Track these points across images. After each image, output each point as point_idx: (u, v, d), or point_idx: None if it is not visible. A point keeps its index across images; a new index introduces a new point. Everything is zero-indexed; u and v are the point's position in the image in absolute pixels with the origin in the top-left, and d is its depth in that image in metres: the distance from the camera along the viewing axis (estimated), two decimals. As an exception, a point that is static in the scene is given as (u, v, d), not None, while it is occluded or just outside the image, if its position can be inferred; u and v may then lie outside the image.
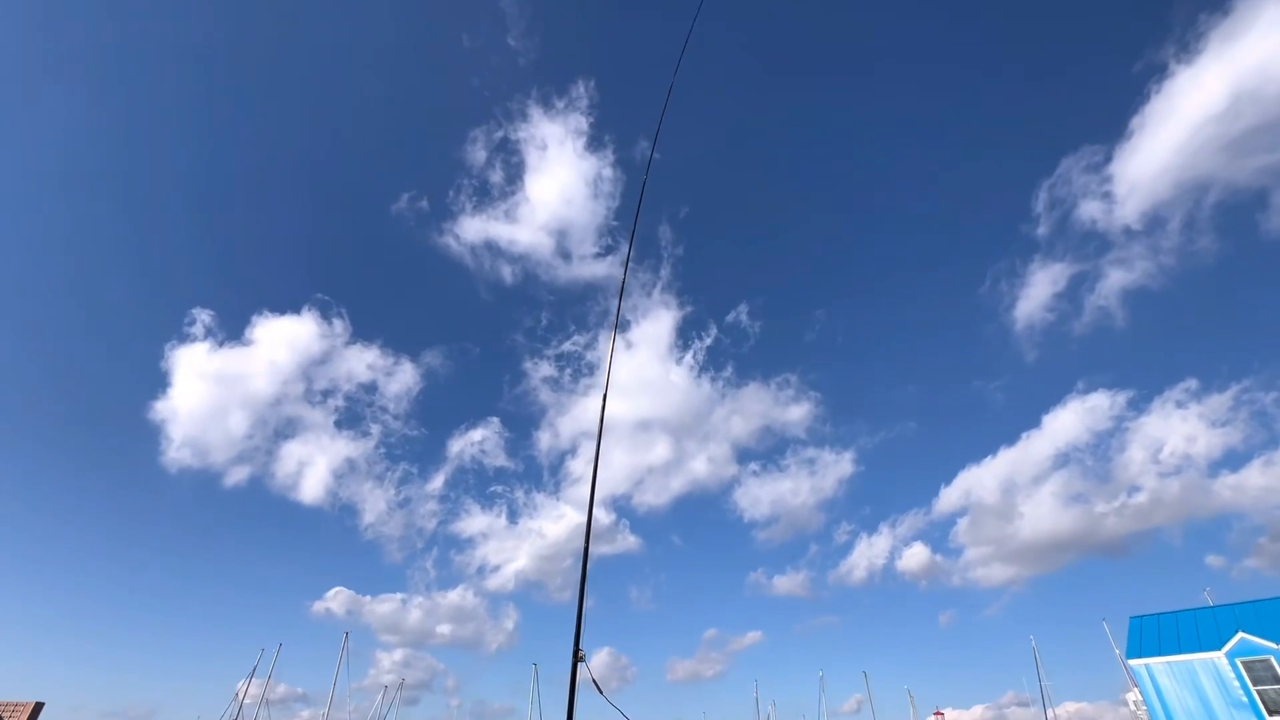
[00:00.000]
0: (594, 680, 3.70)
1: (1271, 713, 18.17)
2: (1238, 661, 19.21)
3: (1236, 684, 19.02)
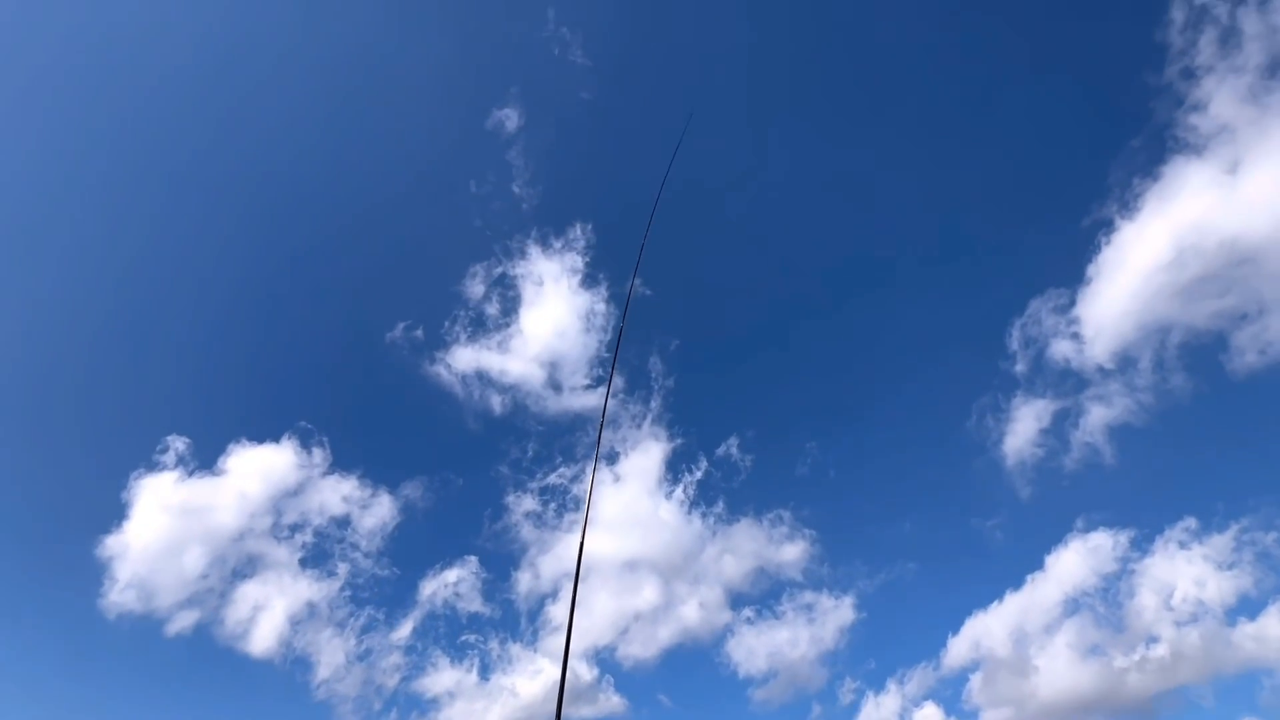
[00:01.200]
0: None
1: None
2: None
3: None
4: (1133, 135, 38.20)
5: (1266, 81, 31.60)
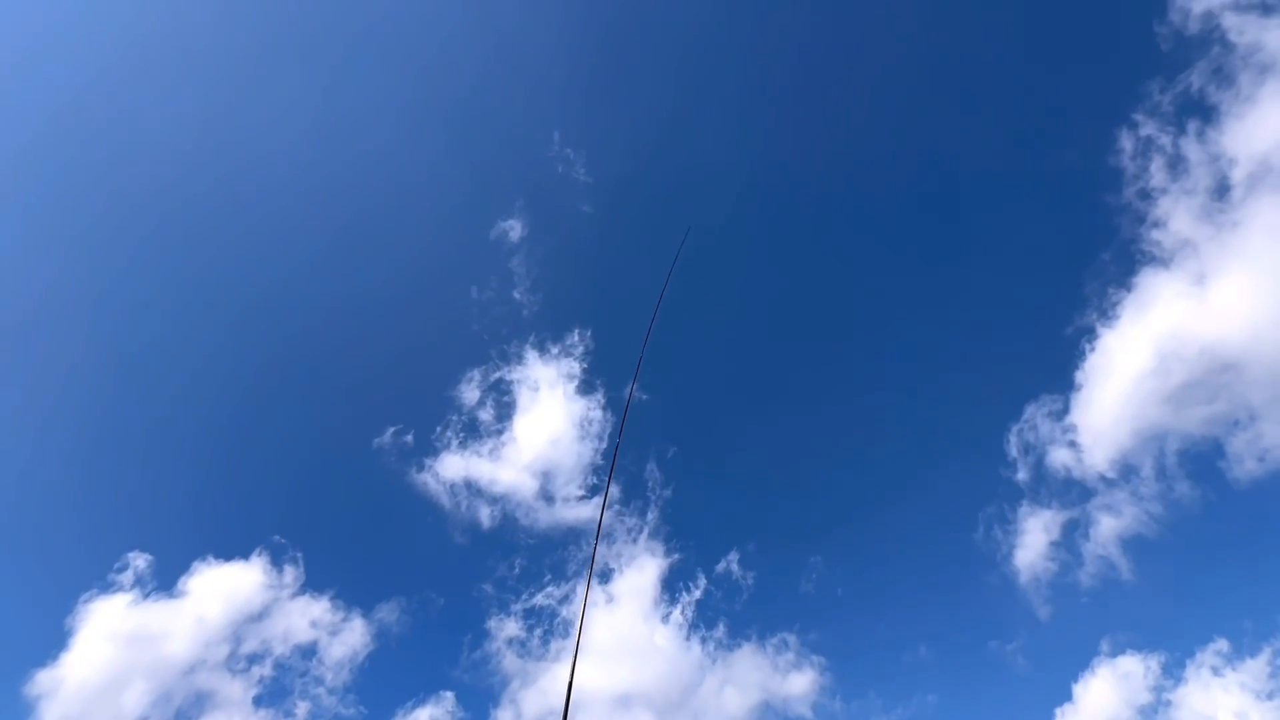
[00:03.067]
0: None
1: None
2: None
3: None
4: (1103, 248, 40.27)
5: (1217, 202, 33.84)
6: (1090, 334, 41.18)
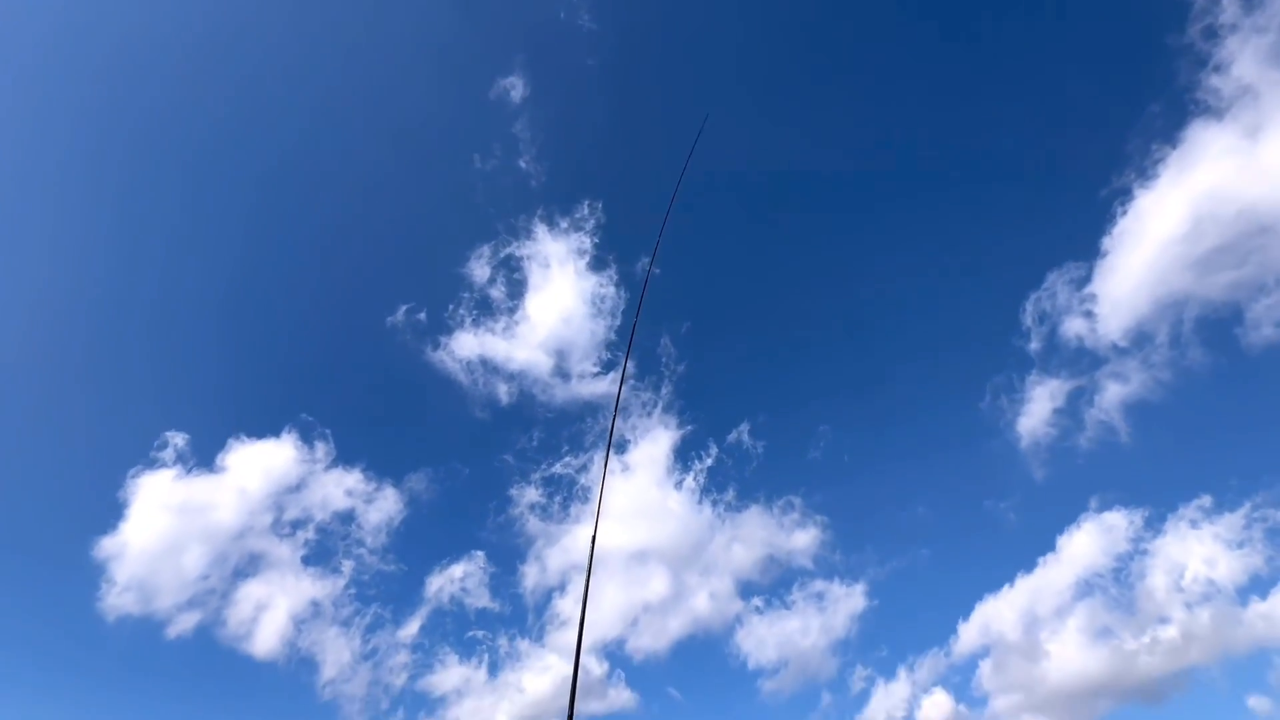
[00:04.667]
0: None
1: None
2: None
3: None
4: (1153, 100, 36.96)
5: (1291, 42, 30.47)
6: (1125, 196, 39.00)
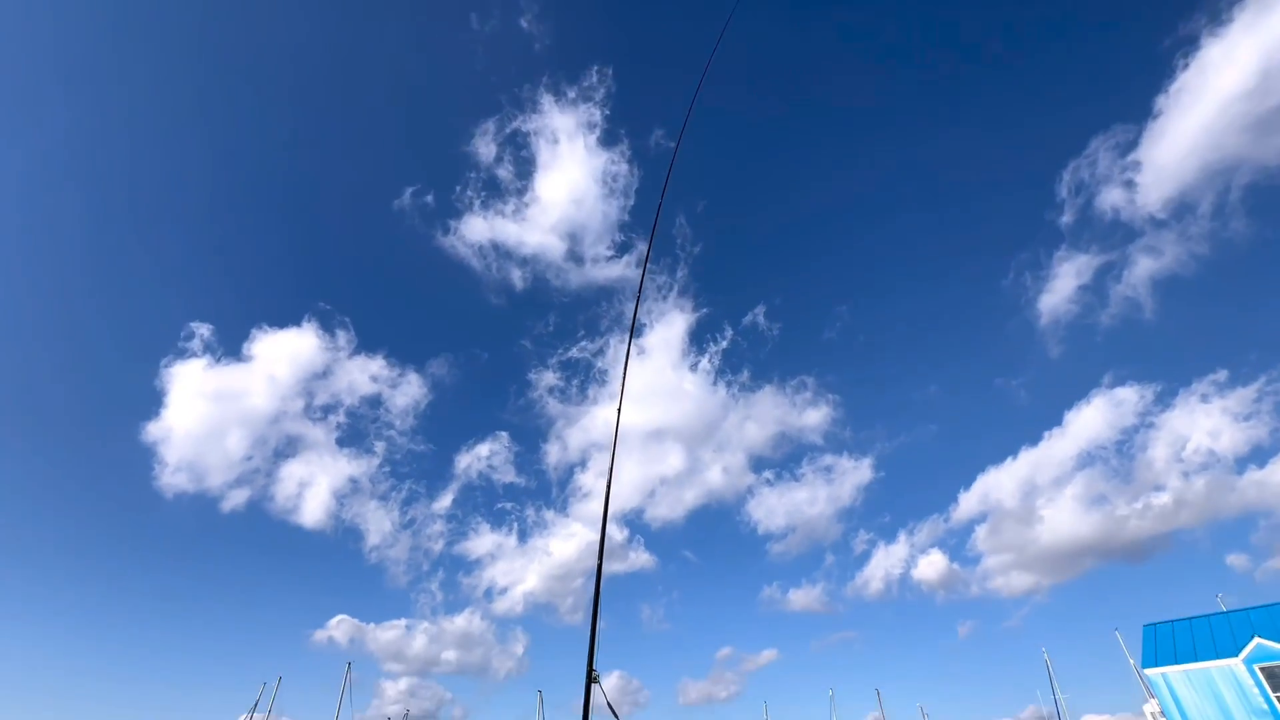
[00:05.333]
0: (609, 703, 3.64)
1: (1293, 720, 17.86)
2: (1256, 668, 18.93)
3: (1256, 691, 18.72)
4: (1230, -65, 32.40)
5: None
6: (1190, 46, 35.21)
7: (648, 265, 6.48)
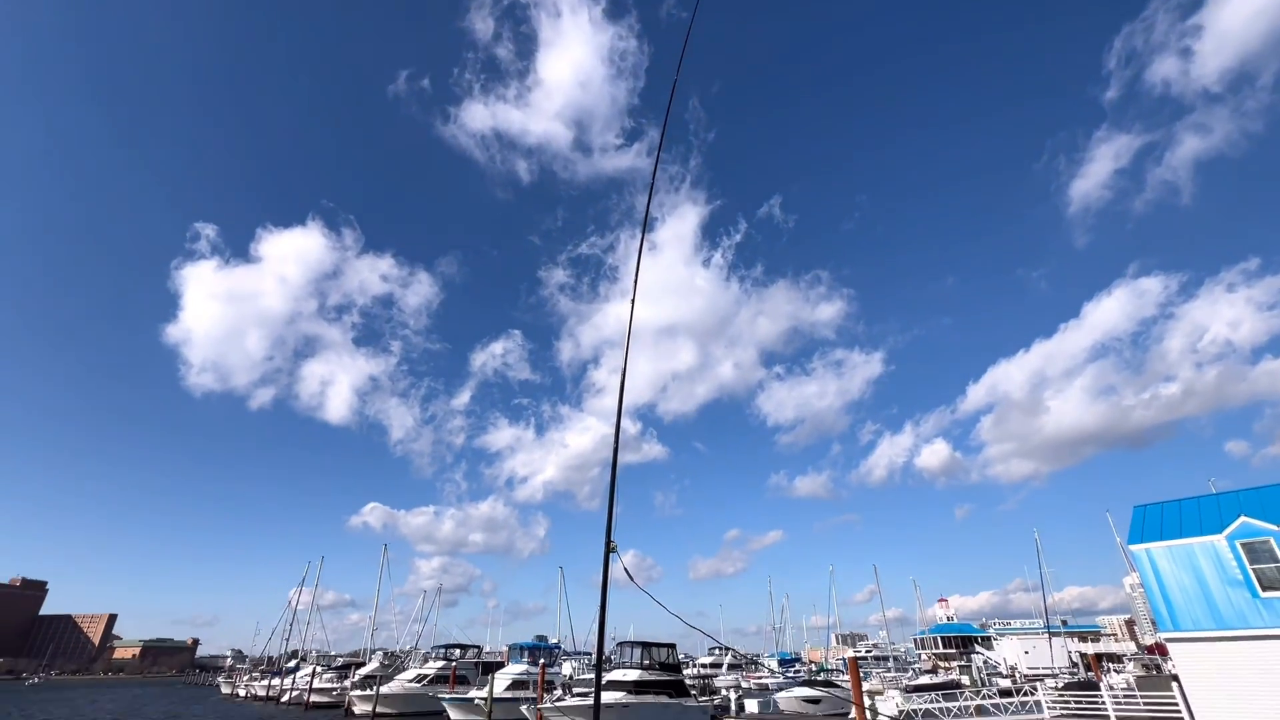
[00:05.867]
0: (626, 569, 3.96)
1: (1266, 588, 19.08)
2: (1237, 544, 19.97)
3: (1234, 563, 19.87)
4: None
5: None
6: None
7: (661, 150, 6.17)
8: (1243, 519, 20.22)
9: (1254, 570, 19.48)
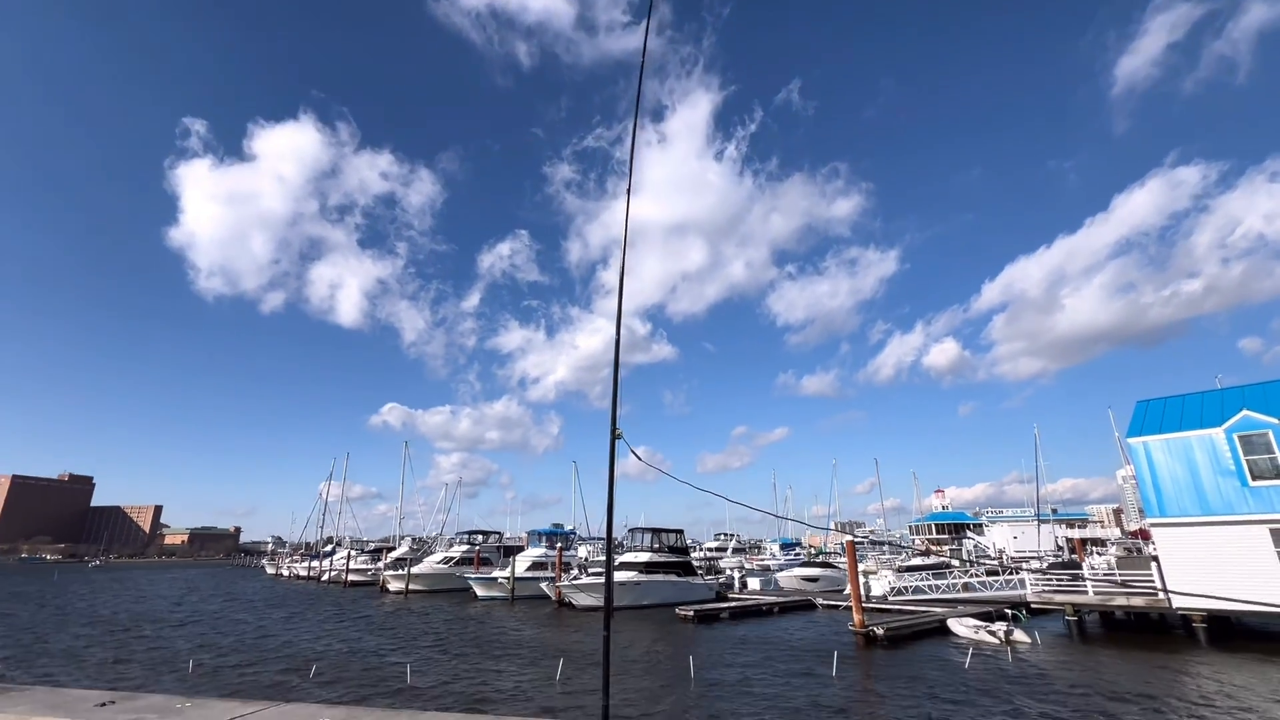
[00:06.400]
0: (633, 450, 4.08)
1: (1256, 478, 19.67)
2: (1235, 436, 20.36)
3: (1228, 455, 20.37)
4: None
5: None
6: None
7: (654, 22, 5.63)
8: (1244, 413, 20.46)
9: (1247, 461, 19.98)
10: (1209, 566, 19.75)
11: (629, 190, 4.81)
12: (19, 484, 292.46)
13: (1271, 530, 18.88)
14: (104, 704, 5.78)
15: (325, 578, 67.69)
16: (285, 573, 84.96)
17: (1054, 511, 72.36)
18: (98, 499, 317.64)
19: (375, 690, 15.31)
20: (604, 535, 3.93)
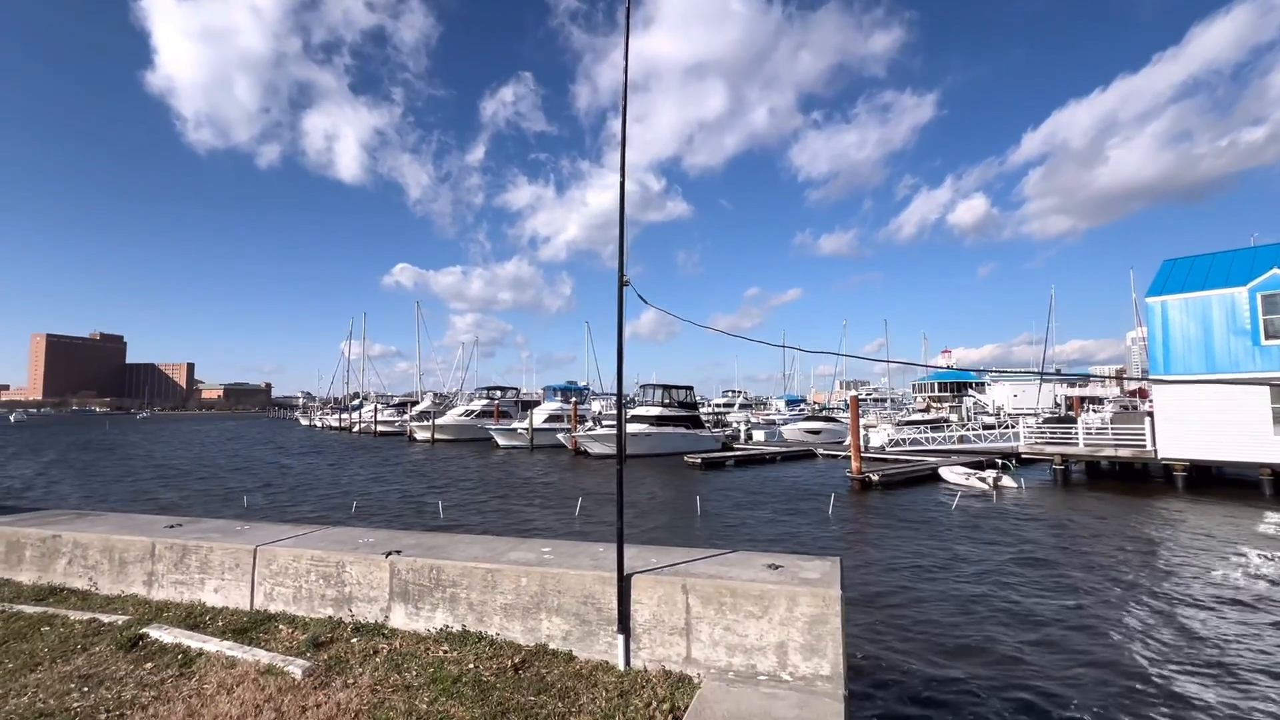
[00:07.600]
0: (640, 296, 4.09)
1: (1270, 337, 19.60)
2: (1258, 295, 19.95)
3: (1247, 313, 20.12)
4: None
5: None
6: None
7: None
8: (1275, 270, 19.87)
9: (1265, 320, 19.78)
10: (1204, 422, 20.41)
11: (629, 9, 4.30)
12: (55, 341, 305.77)
13: (1274, 388, 19.21)
14: (172, 526, 6.43)
15: (356, 428, 72.36)
16: (319, 424, 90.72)
17: (1057, 371, 73.53)
18: (130, 358, 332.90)
19: (416, 521, 17.04)
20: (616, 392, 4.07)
